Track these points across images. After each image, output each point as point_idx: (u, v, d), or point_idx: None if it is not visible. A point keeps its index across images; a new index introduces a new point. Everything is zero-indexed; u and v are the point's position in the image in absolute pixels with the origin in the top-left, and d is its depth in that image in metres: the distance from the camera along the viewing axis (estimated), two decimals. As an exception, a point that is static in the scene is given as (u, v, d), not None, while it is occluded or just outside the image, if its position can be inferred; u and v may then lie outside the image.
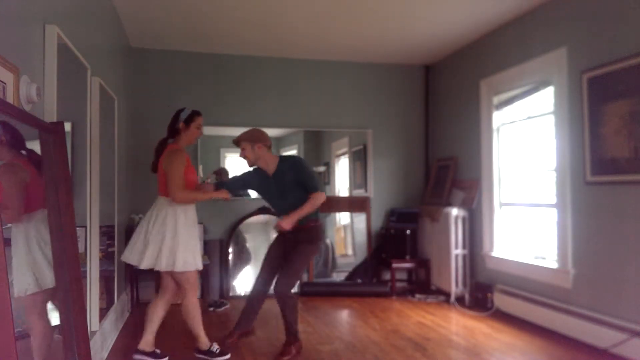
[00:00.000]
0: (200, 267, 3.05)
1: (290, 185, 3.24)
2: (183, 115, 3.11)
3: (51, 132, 1.77)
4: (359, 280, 5.27)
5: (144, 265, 2.90)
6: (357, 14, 4.08)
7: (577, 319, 3.43)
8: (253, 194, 5.32)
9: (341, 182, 5.57)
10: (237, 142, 3.32)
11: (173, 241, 2.90)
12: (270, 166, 3.30)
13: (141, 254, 2.91)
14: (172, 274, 2.99)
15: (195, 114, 3.16)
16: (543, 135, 4.02)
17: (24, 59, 1.78)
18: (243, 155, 3.30)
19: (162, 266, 2.89)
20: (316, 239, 3.35)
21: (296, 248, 3.27)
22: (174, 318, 4.22)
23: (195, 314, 3.11)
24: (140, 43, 4.82)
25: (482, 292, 4.44)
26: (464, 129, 4.95)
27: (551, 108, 3.86)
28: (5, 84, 1.56)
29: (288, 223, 3.14)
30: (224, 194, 3.14)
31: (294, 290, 3.49)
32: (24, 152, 1.85)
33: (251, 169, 3.44)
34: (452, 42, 4.85)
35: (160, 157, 3.05)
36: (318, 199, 3.19)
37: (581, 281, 3.50)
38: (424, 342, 3.45)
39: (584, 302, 3.45)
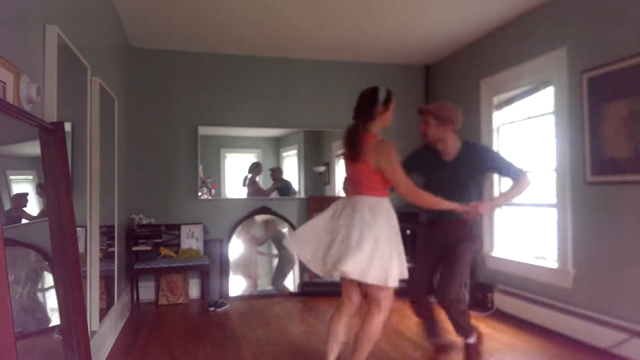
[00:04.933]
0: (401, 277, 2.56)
1: (471, 175, 2.85)
2: (381, 96, 2.57)
3: (51, 132, 1.77)
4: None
5: (353, 276, 2.43)
6: (357, 13, 4.08)
7: (577, 319, 3.43)
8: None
9: (341, 182, 5.56)
10: (421, 112, 2.89)
11: (383, 250, 2.45)
12: (451, 151, 2.88)
13: (340, 263, 2.42)
14: (369, 287, 2.52)
15: (392, 94, 2.65)
16: (543, 135, 4.02)
17: (24, 59, 1.78)
18: (422, 129, 2.88)
19: (369, 278, 2.42)
20: (475, 237, 2.89)
21: (455, 248, 2.82)
22: (173, 317, 4.22)
23: (375, 336, 2.59)
24: (140, 43, 4.82)
25: (482, 292, 4.43)
26: (464, 129, 4.92)
27: (551, 108, 3.86)
28: (5, 84, 1.56)
29: (487, 207, 2.73)
30: (467, 209, 2.66)
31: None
32: None
33: (414, 149, 3.04)
34: (452, 42, 4.85)
35: (359, 147, 2.55)
36: (527, 182, 2.78)
37: (581, 281, 3.50)
38: (424, 342, 3.45)
39: (584, 302, 3.45)
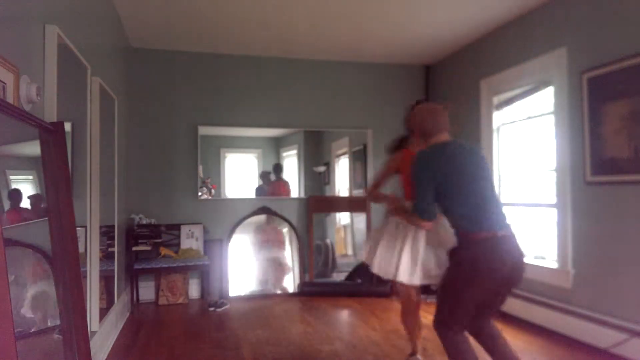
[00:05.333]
0: (414, 282, 2.83)
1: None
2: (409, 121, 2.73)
3: (51, 132, 1.77)
4: (359, 280, 5.27)
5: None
6: (357, 14, 4.08)
7: (577, 319, 3.43)
8: (252, 193, 5.35)
9: (341, 182, 5.57)
10: None
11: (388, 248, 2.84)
12: None
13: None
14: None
15: (414, 106, 2.67)
16: (543, 135, 4.02)
17: (24, 59, 1.78)
18: None
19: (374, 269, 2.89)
20: (459, 256, 2.28)
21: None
22: (173, 317, 4.22)
23: (403, 322, 3.13)
24: (140, 43, 4.82)
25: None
26: (464, 129, 4.96)
27: (551, 108, 3.86)
28: (5, 84, 1.56)
29: (368, 194, 3.24)
30: (392, 202, 2.80)
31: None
32: None
33: None
34: (452, 42, 4.85)
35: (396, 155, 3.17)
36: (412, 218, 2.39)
37: (581, 281, 3.50)
38: (424, 342, 3.45)
39: (584, 302, 3.45)
